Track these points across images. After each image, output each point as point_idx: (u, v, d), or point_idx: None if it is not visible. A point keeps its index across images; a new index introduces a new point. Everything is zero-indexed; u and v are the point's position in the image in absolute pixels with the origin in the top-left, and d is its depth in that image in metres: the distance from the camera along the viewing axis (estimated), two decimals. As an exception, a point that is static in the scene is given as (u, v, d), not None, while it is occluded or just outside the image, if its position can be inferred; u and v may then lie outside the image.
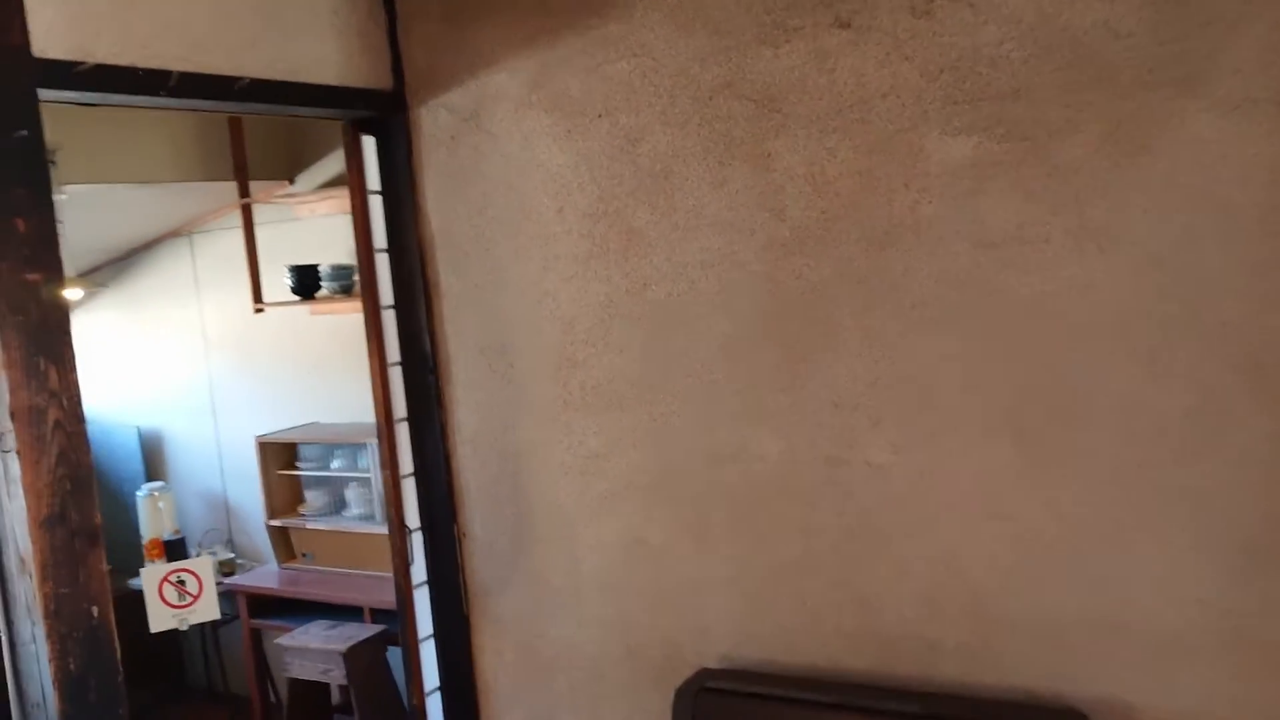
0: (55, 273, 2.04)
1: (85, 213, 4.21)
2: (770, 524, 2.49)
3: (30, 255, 1.96)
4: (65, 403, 2.05)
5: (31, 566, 2.04)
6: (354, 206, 2.92)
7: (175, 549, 4.95)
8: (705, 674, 2.53)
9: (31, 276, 1.98)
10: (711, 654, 2.61)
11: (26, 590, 2.09)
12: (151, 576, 3.41)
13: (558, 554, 2.82)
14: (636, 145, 2.51)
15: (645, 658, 2.71)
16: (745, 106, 2.36)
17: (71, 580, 2.10)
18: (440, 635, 3.06)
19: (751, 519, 2.51)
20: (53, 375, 2.03)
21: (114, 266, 5.39)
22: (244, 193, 4.39)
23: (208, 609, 3.42)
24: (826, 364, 2.36)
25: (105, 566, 2.18)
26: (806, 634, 2.49)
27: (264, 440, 4.44)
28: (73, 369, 2.04)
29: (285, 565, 4.53)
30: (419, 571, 3.04)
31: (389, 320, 2.98)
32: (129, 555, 5.22)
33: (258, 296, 4.40)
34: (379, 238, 2.95)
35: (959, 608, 2.30)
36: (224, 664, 5.07)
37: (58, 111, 3.79)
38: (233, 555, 4.97)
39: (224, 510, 5.15)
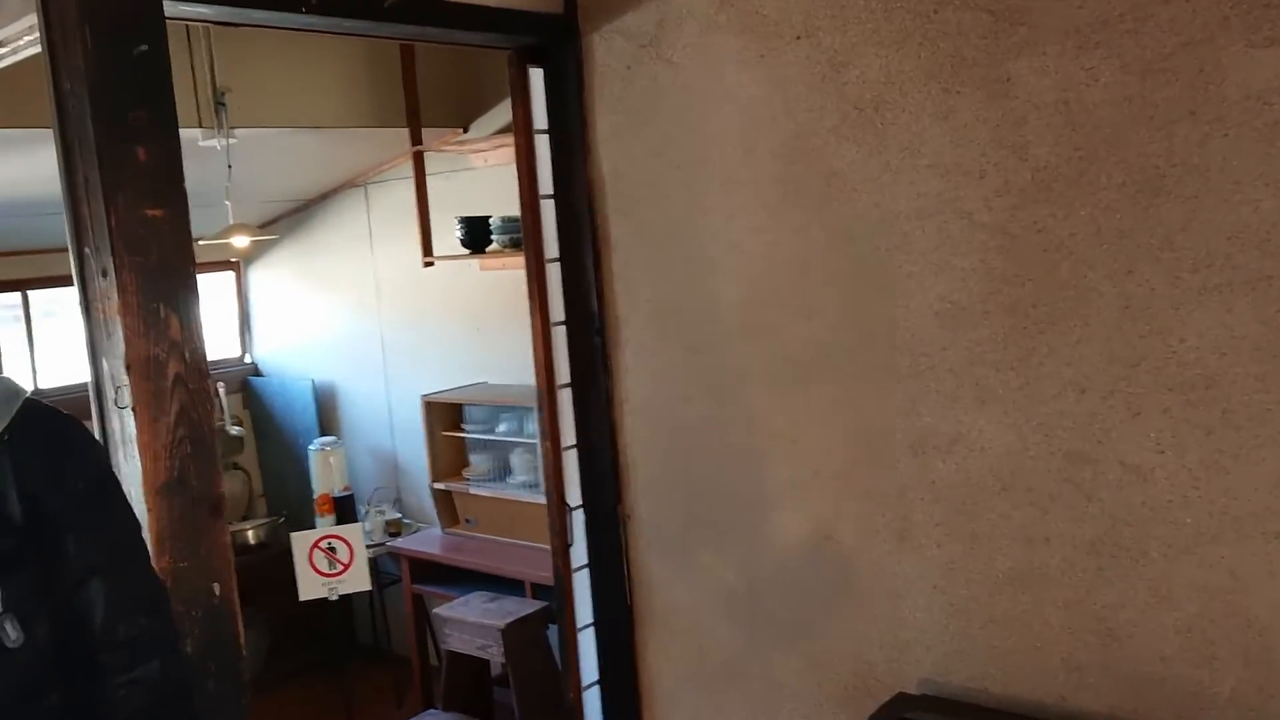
0: (179, 209, 1.84)
1: (258, 159, 4.13)
2: (989, 527, 2.09)
3: (151, 188, 1.77)
4: (188, 355, 1.86)
5: (147, 535, 1.86)
6: (518, 147, 2.65)
7: (344, 506, 4.90)
8: (902, 700, 2.16)
9: (153, 212, 1.79)
10: (910, 676, 2.23)
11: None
12: (302, 543, 3.30)
13: (734, 546, 2.49)
14: (842, 71, 2.12)
15: (831, 672, 2.36)
16: (979, 19, 1.94)
17: (191, 553, 1.92)
18: (601, 626, 2.78)
19: (965, 520, 2.11)
20: (174, 324, 1.84)
21: (291, 218, 5.37)
22: (416, 140, 4.22)
23: (358, 579, 3.29)
24: (1072, 339, 1.92)
25: (228, 538, 1.99)
26: (1028, 662, 2.08)
27: (430, 399, 4.29)
28: (197, 318, 1.85)
29: (449, 530, 4.39)
30: (579, 553, 2.77)
31: (553, 275, 2.71)
32: (302, 509, 5.22)
33: (427, 249, 4.23)
34: (545, 182, 2.67)
35: (1237, 648, 1.84)
36: (389, 625, 5.00)
37: (227, 52, 3.70)
38: (399, 515, 4.88)
39: (393, 468, 5.07)
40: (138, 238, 1.78)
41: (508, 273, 4.14)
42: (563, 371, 2.72)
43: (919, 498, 2.17)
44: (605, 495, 2.71)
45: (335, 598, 3.22)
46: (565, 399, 2.73)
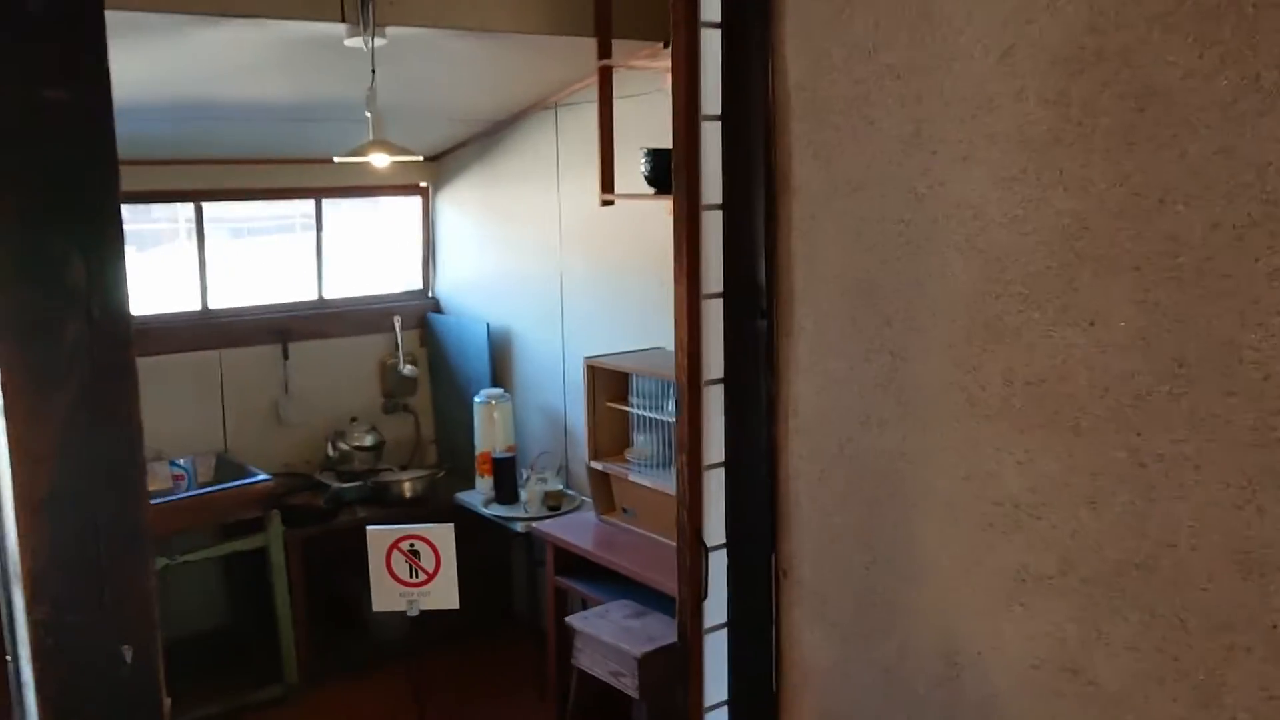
0: (95, 93, 1.23)
1: (426, 67, 3.57)
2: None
3: (47, 56, 1.17)
4: (96, 312, 1.26)
5: (18, 571, 1.28)
6: (675, 46, 1.91)
7: (503, 470, 4.38)
8: None
9: (51, 94, 1.20)
10: None
11: (17, 608, 1.34)
12: (379, 542, 2.72)
13: (930, 648, 1.70)
14: (1187, -86, 1.24)
15: None
16: None
17: (89, 601, 1.34)
18: (736, 708, 2.06)
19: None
20: (75, 266, 1.24)
21: (479, 142, 4.84)
22: (604, 53, 3.54)
23: (444, 594, 2.68)
24: None
25: (153, 580, 1.40)
26: None
27: (594, 363, 3.65)
28: (117, 258, 1.25)
29: (604, 518, 3.77)
30: (715, 609, 2.04)
31: (711, 229, 1.96)
32: (465, 463, 4.74)
33: (607, 184, 3.56)
34: (709, 98, 1.91)
35: None
36: (541, 602, 4.45)
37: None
38: (562, 487, 4.31)
39: (561, 432, 4.49)
40: (23, 131, 1.17)
41: (695, 219, 3.40)
42: (713, 363, 1.99)
43: (1247, 645, 1.30)
44: (757, 539, 1.97)
45: (415, 613, 2.65)
46: (713, 400, 2.00)
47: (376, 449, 4.82)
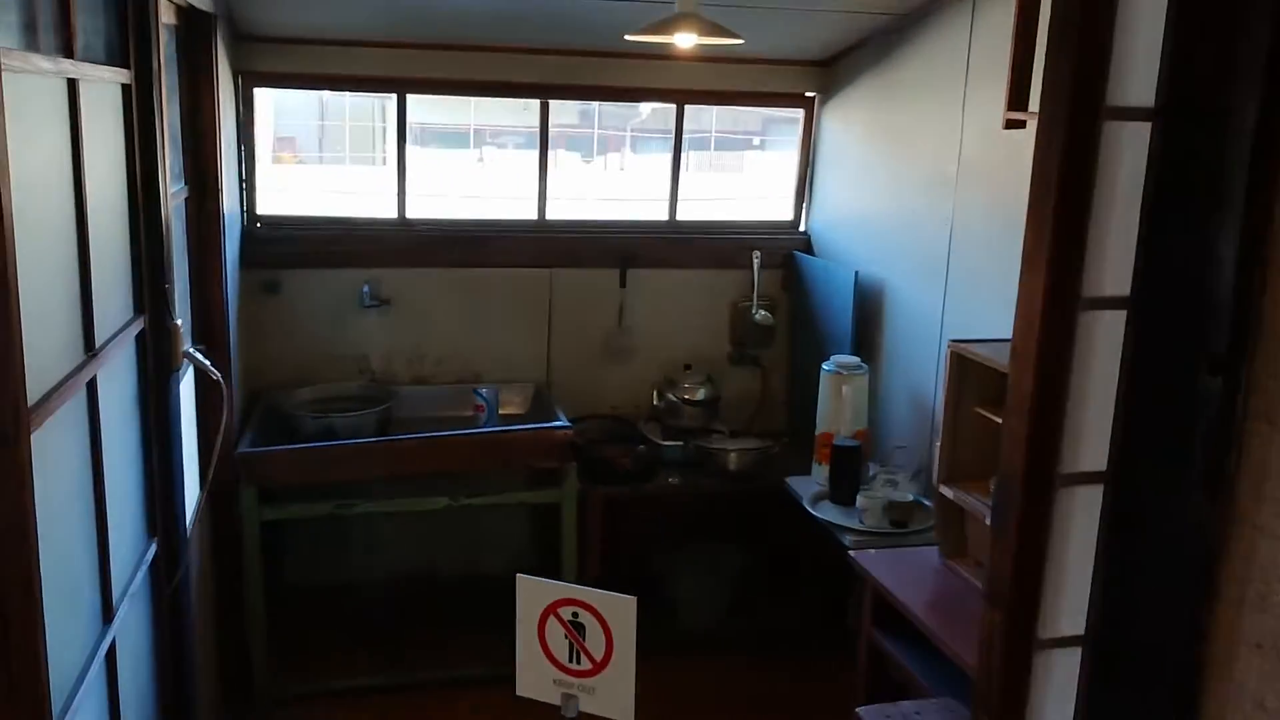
0: None
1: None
2: None
3: None
4: None
5: None
6: None
7: (845, 460, 3.50)
8: None
9: None
10: None
11: None
12: (532, 600, 1.90)
13: None
14: None
15: None
16: None
17: None
18: None
19: None
20: None
21: (875, 45, 3.85)
22: (1040, -94, 2.44)
23: (612, 697, 1.85)
24: None
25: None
26: None
27: (963, 350, 2.64)
28: None
29: (949, 562, 2.78)
30: None
31: (1118, 162, 0.95)
32: (803, 444, 3.91)
33: (1017, 99, 2.50)
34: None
35: None
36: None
37: None
38: (916, 497, 3.35)
39: (929, 426, 3.50)
40: None
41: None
42: (1089, 443, 1.00)
43: None
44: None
45: (571, 715, 1.86)
46: (1078, 505, 1.01)
47: (710, 405, 4.12)
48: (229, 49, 3.57)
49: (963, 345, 2.64)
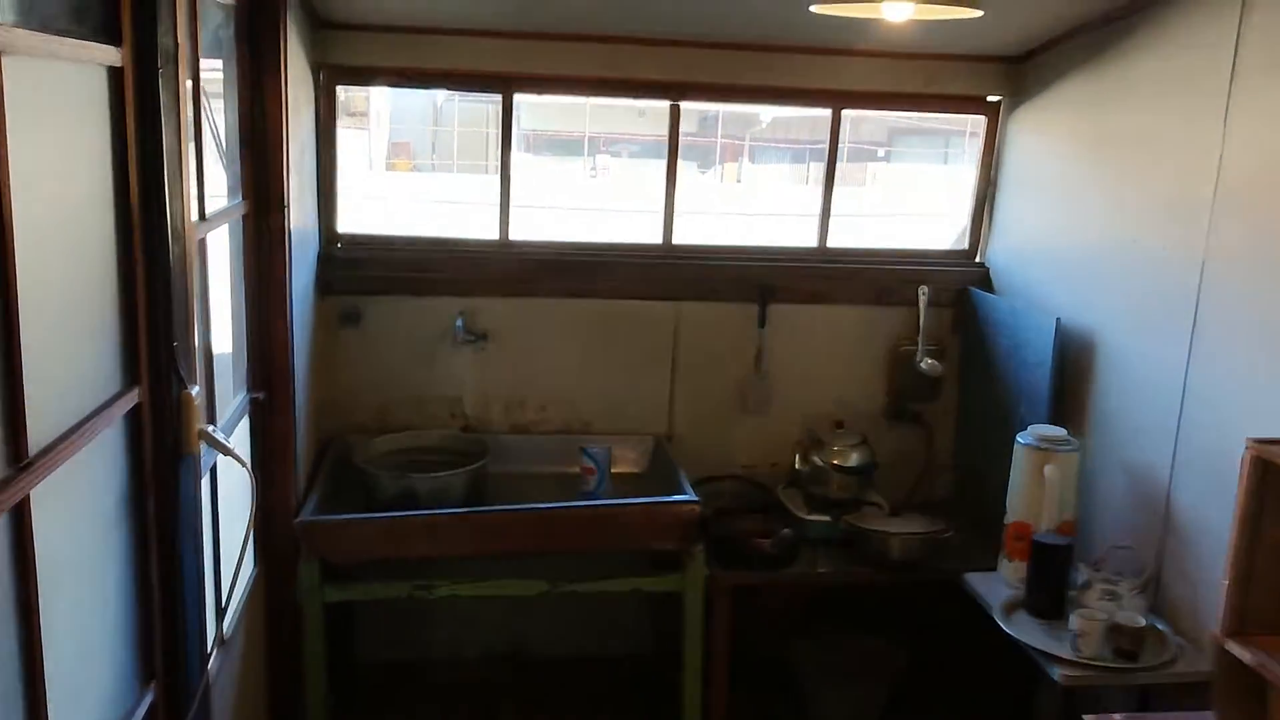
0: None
1: None
2: None
3: None
4: None
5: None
6: None
7: (1048, 561, 2.76)
8: None
9: None
10: None
11: None
12: None
13: None
14: None
15: None
16: None
17: None
18: None
19: None
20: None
21: (1088, 37, 3.10)
22: None
23: None
24: None
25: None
26: None
27: (1267, 452, 1.88)
28: None
29: (1231, 742, 2.02)
30: None
31: None
32: (993, 523, 3.19)
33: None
34: None
35: None
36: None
37: None
38: (1149, 620, 2.59)
39: (1161, 519, 2.73)
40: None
41: None
42: None
43: None
44: None
45: None
46: None
47: (865, 473, 3.42)
48: (304, 37, 3.01)
49: (1272, 447, 1.89)
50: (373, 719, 3.51)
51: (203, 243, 2.22)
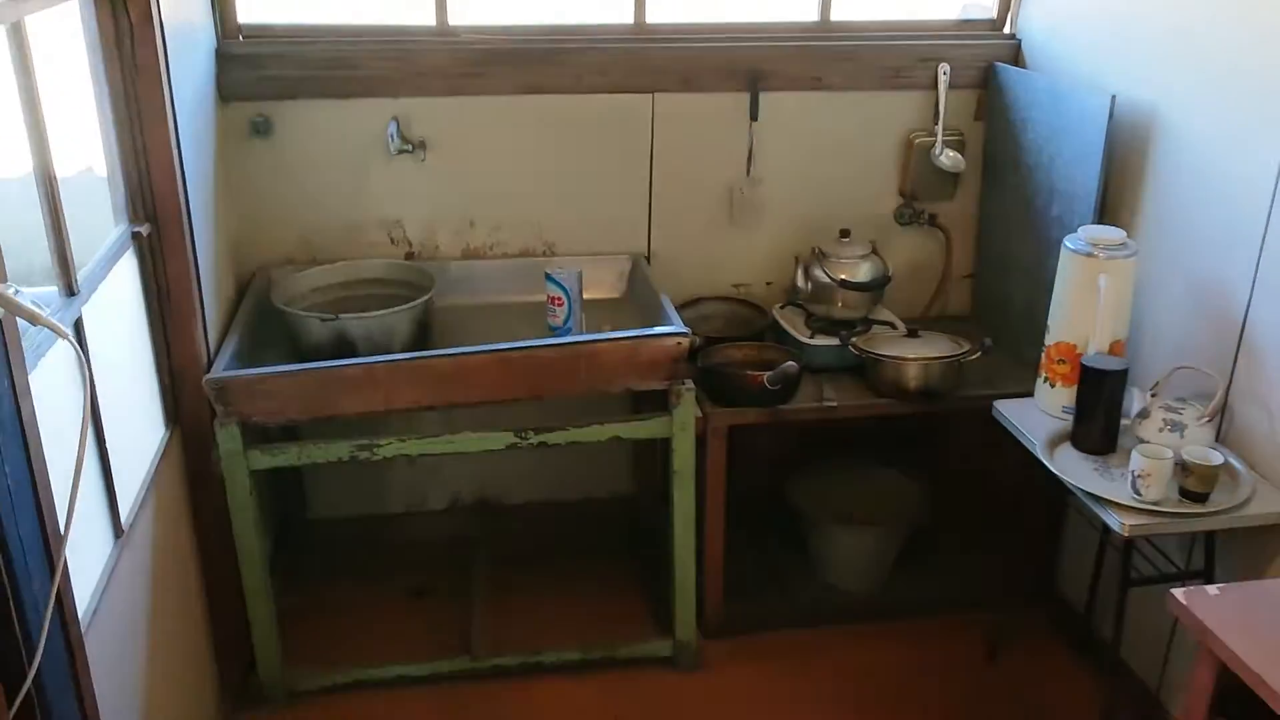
0: None
1: None
2: None
3: None
4: None
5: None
6: None
7: (1098, 387, 2.36)
8: None
9: None
10: None
11: None
12: None
13: None
14: None
15: None
16: None
17: None
18: None
19: None
20: None
21: None
22: None
23: None
24: None
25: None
26: None
27: None
28: None
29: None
30: None
31: None
32: (1022, 339, 2.77)
33: None
34: None
35: None
36: (1127, 631, 2.47)
37: None
38: (1217, 453, 2.21)
39: (1234, 341, 2.32)
40: None
41: None
42: None
43: None
44: None
45: None
46: None
47: (875, 287, 2.97)
48: None
49: None
50: (329, 581, 3.18)
51: (17, 29, 1.68)
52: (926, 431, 3.30)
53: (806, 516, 3.08)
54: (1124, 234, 2.45)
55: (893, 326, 3.02)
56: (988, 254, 3.23)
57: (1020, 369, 2.88)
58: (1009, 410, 2.61)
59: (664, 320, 2.67)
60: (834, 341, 2.90)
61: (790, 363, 2.70)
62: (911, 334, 2.89)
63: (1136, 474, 2.19)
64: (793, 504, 3.10)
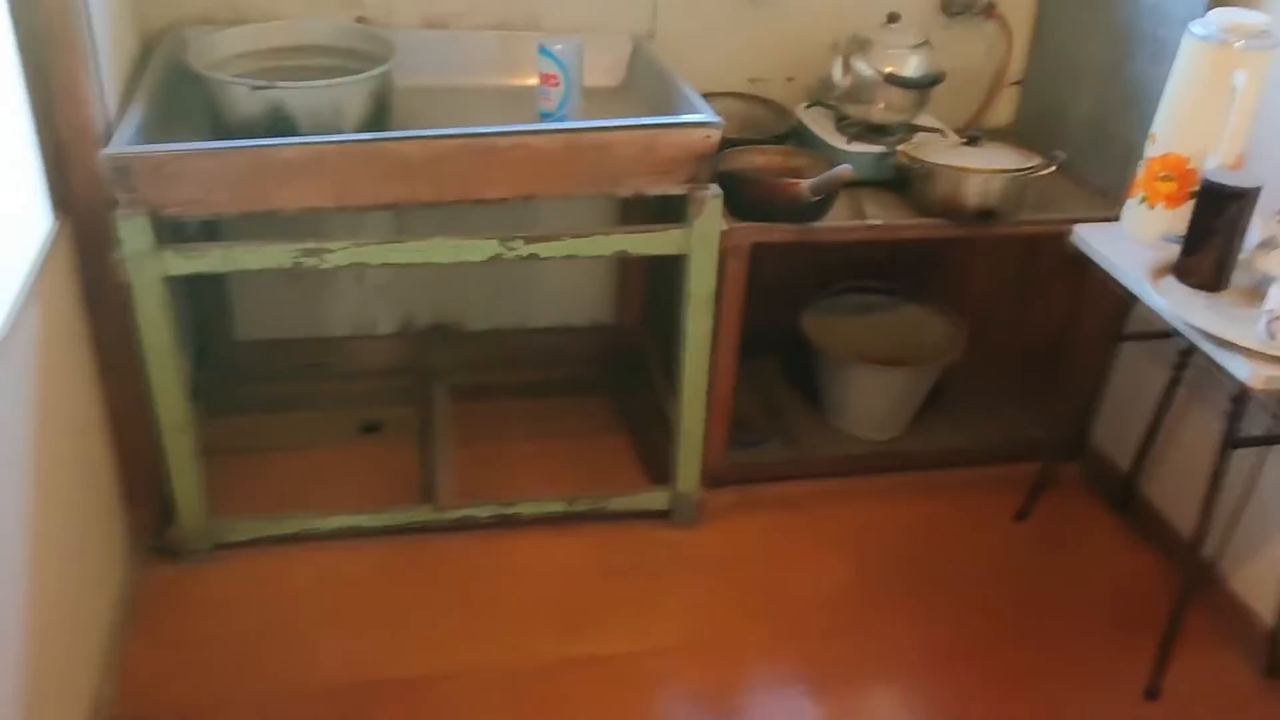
0: None
1: None
2: None
3: None
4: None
5: None
6: None
7: (1227, 210, 1.95)
8: None
9: None
10: None
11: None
12: None
13: None
14: None
15: None
16: None
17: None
18: None
19: None
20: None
21: None
22: None
23: None
24: None
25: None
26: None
27: None
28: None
29: None
30: None
31: None
32: (1098, 154, 2.35)
33: None
34: None
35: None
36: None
37: None
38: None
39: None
40: None
41: None
42: None
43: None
44: None
45: None
46: None
47: (926, 84, 2.49)
48: None
49: None
50: (263, 413, 2.72)
51: None
52: (947, 263, 2.89)
53: (822, 355, 2.69)
54: (1268, 19, 2.00)
55: (941, 133, 2.56)
56: (1043, 55, 2.76)
57: (1082, 193, 2.46)
58: (1092, 238, 2.19)
59: (683, 110, 2.17)
60: (877, 149, 2.43)
61: (845, 165, 2.22)
62: (971, 141, 2.44)
63: (1272, 314, 1.81)
64: (806, 340, 2.70)
